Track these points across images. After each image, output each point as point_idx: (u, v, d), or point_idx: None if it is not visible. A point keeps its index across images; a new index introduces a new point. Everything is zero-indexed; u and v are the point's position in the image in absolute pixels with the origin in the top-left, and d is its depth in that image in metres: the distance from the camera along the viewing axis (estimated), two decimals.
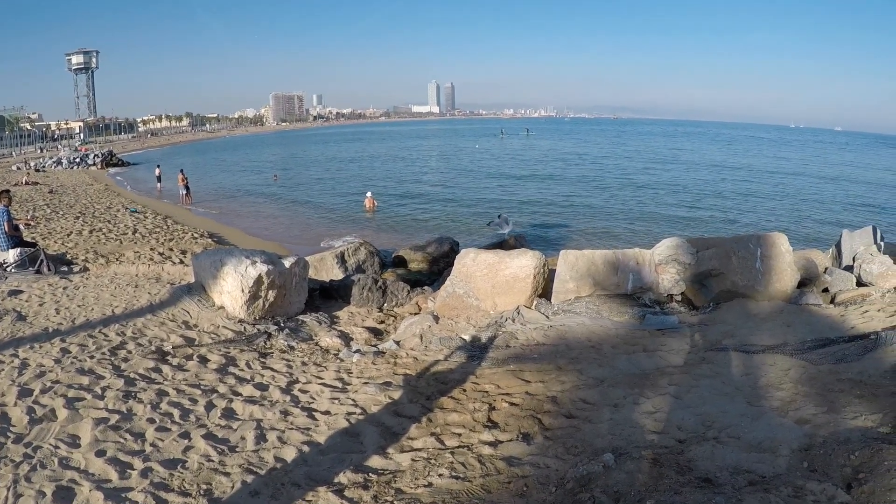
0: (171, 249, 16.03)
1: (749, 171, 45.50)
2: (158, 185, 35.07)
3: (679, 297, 7.81)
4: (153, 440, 4.20)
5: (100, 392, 4.95)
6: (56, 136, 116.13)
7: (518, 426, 4.33)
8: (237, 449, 4.13)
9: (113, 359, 5.77)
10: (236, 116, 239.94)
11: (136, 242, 16.92)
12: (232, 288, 7.57)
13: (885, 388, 4.24)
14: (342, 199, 30.17)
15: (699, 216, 25.09)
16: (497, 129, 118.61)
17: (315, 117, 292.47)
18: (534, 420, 4.42)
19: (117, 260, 13.97)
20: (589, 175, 41.14)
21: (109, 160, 55.85)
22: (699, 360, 5.55)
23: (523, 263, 7.79)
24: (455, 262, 8.43)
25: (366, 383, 5.46)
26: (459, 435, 4.30)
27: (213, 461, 3.93)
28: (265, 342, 6.84)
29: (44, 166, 51.43)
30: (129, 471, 3.76)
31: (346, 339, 7.34)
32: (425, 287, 10.04)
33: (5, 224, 10.46)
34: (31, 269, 10.16)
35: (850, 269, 8.39)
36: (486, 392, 5.13)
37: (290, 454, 4.03)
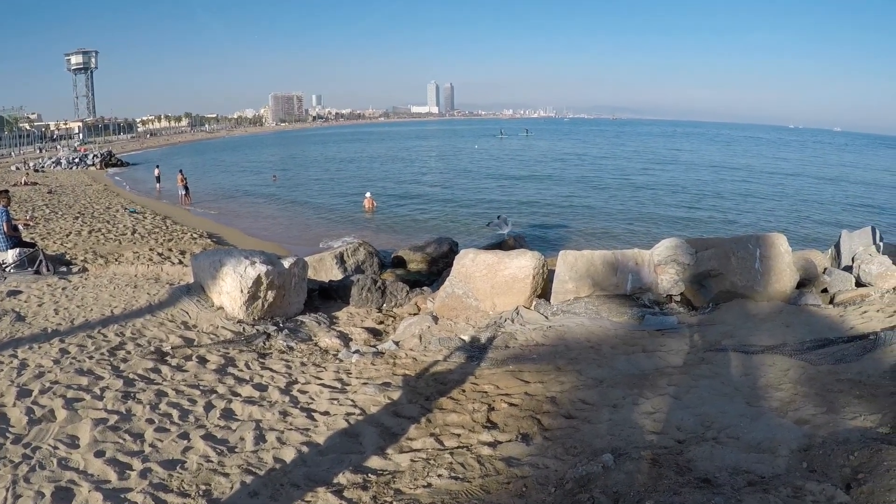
0: (171, 250, 16.02)
1: (748, 172, 45.52)
2: (157, 185, 35.03)
3: (678, 298, 7.81)
4: (152, 441, 4.19)
5: (99, 392, 4.94)
6: (55, 137, 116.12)
7: (517, 427, 4.33)
8: (236, 449, 4.12)
9: (112, 359, 5.76)
10: (235, 117, 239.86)
11: (135, 243, 16.90)
12: (231, 288, 7.56)
13: (884, 389, 4.24)
14: (341, 200, 30.15)
15: (698, 217, 25.09)
16: (496, 129, 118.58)
17: (314, 118, 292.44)
18: (533, 420, 4.42)
19: (116, 260, 13.95)
20: (588, 175, 41.15)
21: (108, 160, 55.78)
22: (698, 361, 5.55)
23: (522, 264, 7.79)
24: (454, 262, 8.43)
25: (365, 384, 5.46)
26: (458, 435, 4.29)
27: (212, 462, 3.92)
28: (264, 343, 6.84)
29: (43, 166, 51.39)
30: (128, 471, 3.76)
31: (346, 339, 7.34)
32: (424, 287, 10.05)
33: (4, 224, 10.45)
34: (29, 269, 10.15)
35: (849, 269, 8.39)
36: (486, 392, 5.13)
37: (289, 455, 4.03)
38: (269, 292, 7.69)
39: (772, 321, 6.66)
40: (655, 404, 4.53)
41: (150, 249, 15.85)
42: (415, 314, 8.41)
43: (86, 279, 9.17)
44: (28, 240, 12.49)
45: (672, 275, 7.77)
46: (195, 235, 18.72)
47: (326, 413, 4.80)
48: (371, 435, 4.35)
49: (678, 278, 7.77)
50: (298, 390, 5.33)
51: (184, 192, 29.02)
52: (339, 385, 5.49)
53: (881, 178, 44.92)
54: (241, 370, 5.82)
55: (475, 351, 6.46)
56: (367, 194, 27.38)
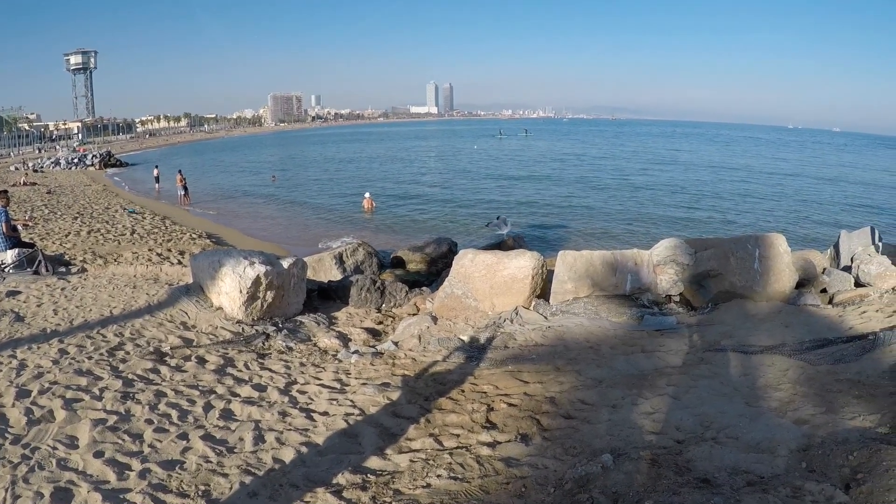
0: (170, 250, 16.02)
1: (747, 172, 45.54)
2: (157, 185, 35.03)
3: (677, 298, 7.82)
4: (151, 441, 4.19)
5: (98, 393, 4.94)
6: (54, 137, 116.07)
7: (516, 427, 4.33)
8: (235, 450, 4.12)
9: (111, 360, 5.76)
10: (234, 117, 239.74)
11: (134, 243, 16.90)
12: (230, 289, 7.56)
13: (883, 389, 4.25)
14: (340, 200, 30.13)
15: (697, 217, 25.11)
16: (495, 129, 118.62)
17: (313, 118, 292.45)
18: (532, 421, 4.42)
19: (115, 261, 13.94)
20: (587, 176, 41.15)
21: (107, 161, 55.74)
22: (697, 361, 5.55)
23: (521, 264, 7.79)
24: (453, 262, 8.42)
25: (364, 384, 5.46)
26: (458, 436, 4.30)
27: (211, 462, 3.92)
28: (263, 343, 6.84)
29: (42, 167, 51.36)
30: (127, 472, 3.75)
31: (345, 339, 7.34)
32: (423, 288, 10.04)
33: (3, 224, 10.44)
34: (29, 269, 10.15)
35: (848, 269, 8.40)
36: (485, 393, 5.13)
37: (288, 455, 4.03)
38: (268, 293, 7.68)
39: (771, 321, 6.67)
40: (654, 404, 4.53)
41: (149, 250, 15.85)
42: (414, 314, 8.40)
43: (85, 279, 9.17)
44: (27, 240, 12.49)
45: (671, 275, 7.77)
46: (194, 236, 18.72)
47: (325, 413, 4.80)
48: (370, 435, 4.35)
49: (677, 278, 7.77)
50: (297, 391, 5.33)
51: (183, 193, 29.02)
52: (338, 385, 5.49)
53: (880, 179, 44.97)
54: (241, 370, 5.82)
55: (474, 351, 6.46)
56: (367, 194, 27.38)
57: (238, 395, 5.16)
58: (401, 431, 4.43)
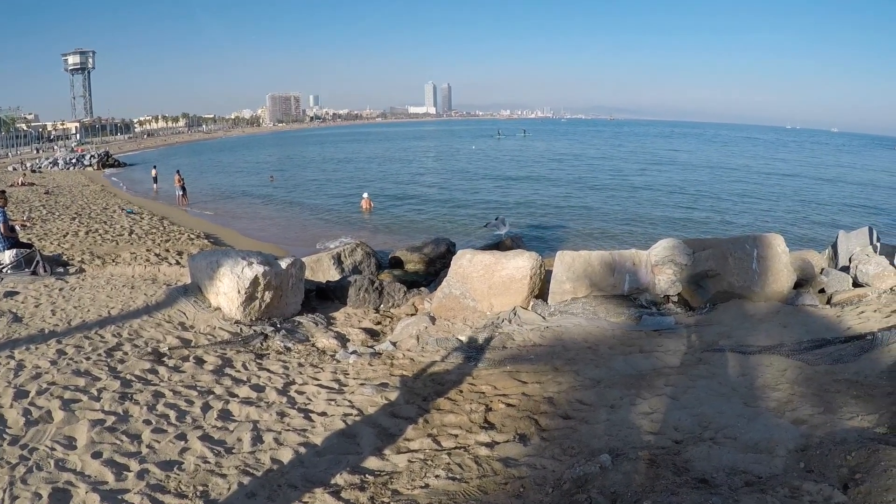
0: (168, 250, 15.99)
1: (746, 172, 45.58)
2: (155, 185, 35.04)
3: (675, 298, 7.83)
4: (149, 442, 4.19)
5: (96, 393, 4.93)
6: (52, 137, 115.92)
7: (514, 427, 4.34)
8: (233, 450, 4.12)
9: (109, 360, 5.75)
10: (233, 117, 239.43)
11: (132, 243, 16.87)
12: (228, 289, 7.55)
13: (881, 389, 4.25)
14: (339, 200, 30.10)
15: (696, 217, 25.11)
16: (494, 129, 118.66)
17: (312, 118, 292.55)
18: (530, 421, 4.42)
19: (113, 261, 13.91)
20: (585, 176, 41.15)
21: (106, 161, 55.68)
22: (696, 361, 5.56)
23: (520, 264, 7.79)
24: (451, 263, 8.42)
25: (362, 384, 5.46)
26: (456, 436, 4.30)
27: (209, 463, 3.92)
28: (262, 343, 6.83)
29: (40, 167, 51.33)
30: (125, 472, 3.75)
31: (343, 340, 7.33)
32: (422, 288, 10.04)
33: (1, 225, 10.42)
34: (27, 270, 10.13)
35: (846, 269, 8.41)
36: (483, 393, 5.13)
37: (286, 455, 4.02)
38: (267, 293, 7.68)
39: (769, 321, 6.68)
40: (653, 405, 4.53)
41: (148, 250, 15.82)
42: (412, 315, 8.40)
43: (83, 280, 9.16)
44: (25, 240, 12.47)
45: (669, 275, 7.78)
46: (192, 236, 18.69)
47: (324, 414, 4.80)
48: (368, 436, 4.34)
49: (675, 279, 7.78)
50: (296, 391, 5.33)
51: (181, 193, 29.01)
52: (336, 386, 5.49)
53: (879, 179, 45.03)
54: (239, 371, 5.81)
55: (472, 351, 6.46)
56: (365, 195, 27.36)
57: (236, 396, 5.15)
58: (399, 432, 4.43)
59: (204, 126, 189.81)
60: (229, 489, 3.58)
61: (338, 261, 12.79)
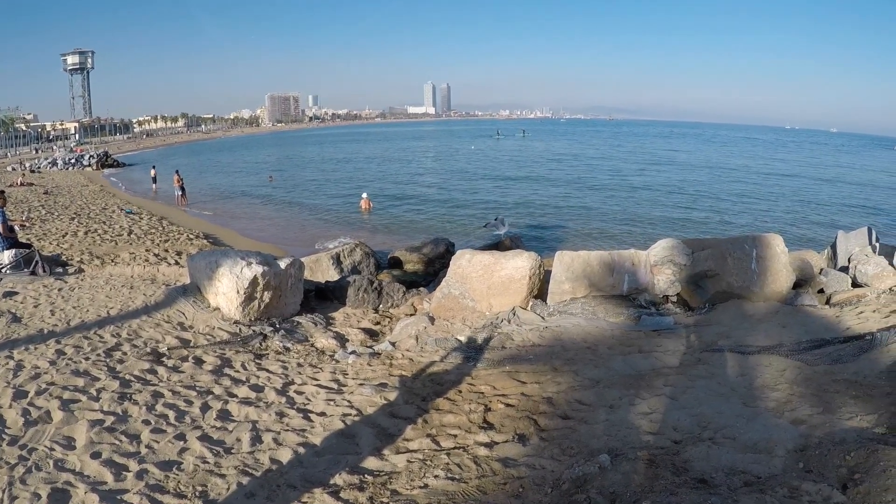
0: (167, 251, 15.98)
1: (745, 172, 45.62)
2: (154, 186, 35.07)
3: (674, 298, 7.83)
4: (148, 442, 4.18)
5: (95, 394, 4.93)
6: (51, 137, 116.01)
7: (514, 427, 4.33)
8: (233, 450, 4.11)
9: (108, 360, 5.75)
10: (232, 117, 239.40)
11: (131, 244, 16.86)
12: (227, 289, 7.55)
13: (880, 389, 4.25)
14: (338, 201, 30.11)
15: (695, 217, 25.12)
16: (493, 130, 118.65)
17: (311, 118, 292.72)
18: (529, 421, 4.42)
19: (112, 261, 13.90)
20: (585, 176, 41.17)
21: (105, 161, 55.70)
22: (695, 361, 5.56)
23: (519, 264, 7.80)
24: (451, 263, 8.42)
25: (361, 384, 5.46)
26: (455, 436, 4.30)
27: (208, 463, 3.92)
28: (261, 343, 6.83)
29: (39, 167, 51.32)
30: (124, 473, 3.75)
31: (342, 340, 7.33)
32: (421, 288, 10.04)
33: (0, 225, 10.42)
34: (26, 270, 10.12)
35: (845, 270, 8.42)
36: (482, 393, 5.13)
37: (285, 455, 4.02)
38: (266, 293, 7.68)
39: (768, 322, 6.68)
40: (652, 405, 4.53)
41: (147, 250, 15.81)
42: (411, 315, 8.40)
43: (82, 280, 9.15)
44: (24, 241, 12.46)
45: (668, 275, 7.78)
46: (191, 236, 18.69)
47: (323, 414, 4.79)
48: (367, 436, 4.34)
49: (675, 279, 7.78)
50: (295, 391, 5.33)
51: (180, 193, 29.02)
52: (335, 386, 5.49)
53: (878, 179, 45.06)
54: (238, 371, 5.81)
55: (472, 351, 6.46)
56: (364, 195, 27.37)
57: (235, 396, 5.15)
58: (398, 432, 4.43)
59: (203, 126, 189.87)
60: (228, 489, 3.58)
61: (337, 261, 12.79)
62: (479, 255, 8.21)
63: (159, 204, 28.41)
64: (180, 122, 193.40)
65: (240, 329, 7.18)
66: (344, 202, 29.24)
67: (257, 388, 5.35)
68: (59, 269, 11.16)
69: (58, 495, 3.46)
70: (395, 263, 14.77)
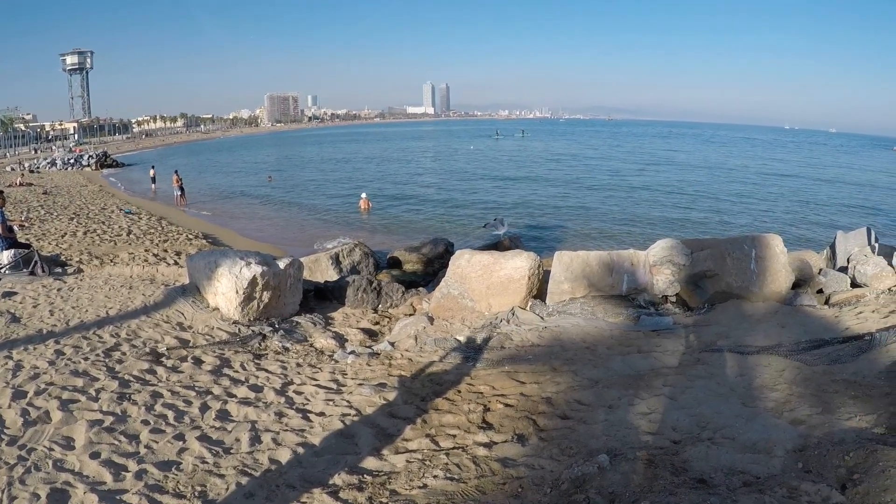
0: (166, 251, 15.97)
1: (744, 173, 45.62)
2: (153, 186, 35.05)
3: (674, 299, 7.83)
4: (148, 442, 4.18)
5: (94, 394, 4.92)
6: (50, 137, 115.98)
7: (513, 427, 4.34)
8: (232, 450, 4.11)
9: (107, 360, 5.75)
10: (231, 117, 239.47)
11: (130, 244, 16.85)
12: (226, 289, 7.54)
13: (879, 389, 4.26)
14: (337, 201, 30.08)
15: (694, 217, 25.12)
16: (492, 130, 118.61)
17: (310, 118, 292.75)
18: (528, 421, 4.42)
19: (111, 261, 13.90)
20: (584, 176, 41.16)
21: (104, 161, 55.70)
22: (694, 361, 5.56)
23: (518, 264, 7.79)
24: (450, 263, 8.42)
25: (360, 384, 5.46)
26: (454, 436, 4.30)
27: (207, 463, 3.91)
28: (260, 343, 6.83)
29: (38, 167, 51.28)
30: (123, 473, 3.74)
31: (341, 340, 7.33)
32: (420, 288, 10.04)
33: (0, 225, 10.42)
34: (25, 270, 10.11)
35: (844, 270, 8.42)
36: (481, 393, 5.13)
37: (284, 456, 4.02)
38: (265, 293, 7.67)
39: (767, 322, 6.68)
40: (651, 405, 4.54)
41: (146, 250, 15.80)
42: (410, 315, 8.40)
43: (81, 280, 9.15)
44: (23, 241, 12.45)
45: (668, 275, 7.79)
46: (190, 236, 18.68)
47: (322, 414, 4.79)
48: (367, 436, 4.34)
49: (674, 279, 7.78)
50: (294, 391, 5.33)
51: (179, 193, 29.00)
52: (334, 386, 5.49)
53: (877, 180, 45.08)
54: (237, 371, 5.81)
55: (471, 352, 6.46)
56: (363, 195, 27.35)
57: (234, 396, 5.15)
58: (397, 432, 4.43)
59: (202, 126, 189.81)
60: (227, 489, 3.58)
61: (336, 261, 12.78)
62: (479, 255, 8.21)
63: (158, 204, 28.40)
64: (179, 123, 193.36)
65: (239, 329, 7.18)
66: (343, 202, 29.23)
67: (256, 389, 5.34)
68: (58, 270, 11.15)
69: (57, 495, 3.46)
70: (395, 263, 14.77)
